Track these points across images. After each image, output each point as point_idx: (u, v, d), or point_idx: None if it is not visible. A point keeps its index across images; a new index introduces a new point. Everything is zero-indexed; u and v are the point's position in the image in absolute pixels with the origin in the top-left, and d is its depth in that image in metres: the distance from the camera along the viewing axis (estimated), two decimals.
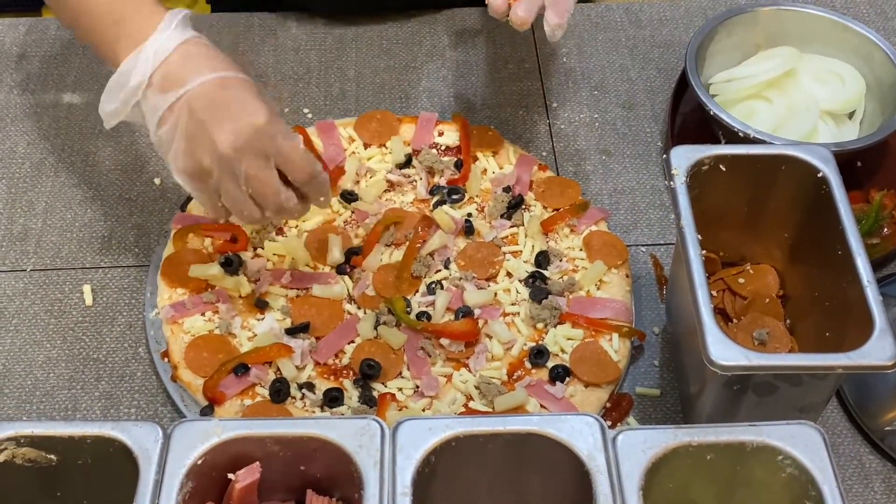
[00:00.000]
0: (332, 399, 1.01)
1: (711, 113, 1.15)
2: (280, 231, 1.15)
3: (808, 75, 1.23)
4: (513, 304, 1.09)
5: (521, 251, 1.14)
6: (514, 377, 1.04)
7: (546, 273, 1.11)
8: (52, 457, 0.80)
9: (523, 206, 1.17)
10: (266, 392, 1.02)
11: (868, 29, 1.23)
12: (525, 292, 1.10)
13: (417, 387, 1.03)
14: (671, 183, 0.96)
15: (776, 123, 1.19)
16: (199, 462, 0.78)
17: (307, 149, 0.96)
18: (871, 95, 1.22)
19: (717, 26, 1.23)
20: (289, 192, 0.94)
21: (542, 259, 1.12)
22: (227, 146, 0.89)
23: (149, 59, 0.92)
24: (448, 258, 1.13)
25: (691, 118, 1.27)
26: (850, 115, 1.23)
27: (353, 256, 1.12)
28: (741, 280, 1.08)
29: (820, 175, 0.97)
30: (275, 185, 0.92)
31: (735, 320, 1.06)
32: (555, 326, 1.07)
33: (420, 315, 1.07)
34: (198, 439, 0.78)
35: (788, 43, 1.25)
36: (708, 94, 1.19)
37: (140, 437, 0.78)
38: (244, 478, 0.79)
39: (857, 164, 1.18)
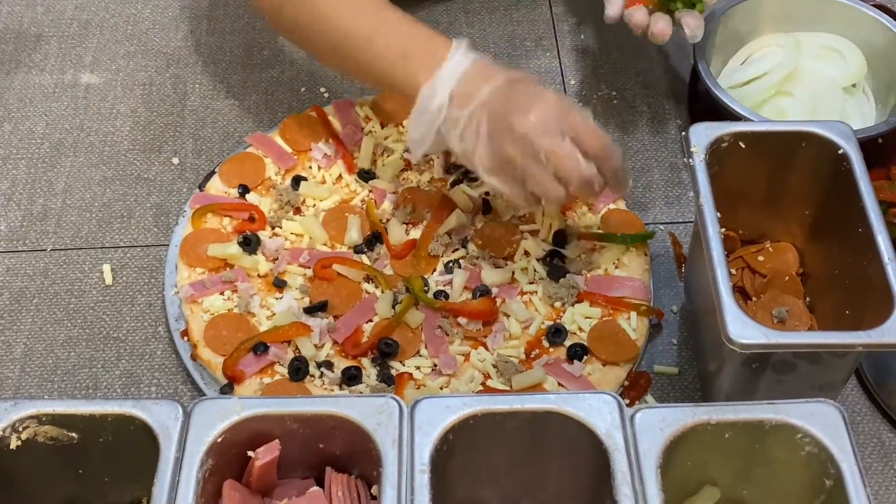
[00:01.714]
0: (351, 377, 1.01)
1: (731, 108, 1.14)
2: (297, 211, 1.15)
3: (808, 57, 1.22)
4: (530, 283, 1.09)
5: (538, 230, 1.14)
6: (532, 356, 1.04)
7: (564, 252, 1.11)
8: (74, 435, 0.81)
9: None
10: (285, 370, 1.02)
11: None
12: (543, 271, 1.10)
13: (435, 365, 1.03)
14: (690, 160, 0.95)
15: (808, 115, 1.17)
16: (220, 440, 0.78)
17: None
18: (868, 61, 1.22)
19: (719, 18, 1.22)
20: (589, 163, 0.96)
21: (560, 238, 1.12)
22: (524, 128, 0.94)
23: (445, 81, 0.98)
24: (465, 237, 1.13)
25: (710, 95, 1.26)
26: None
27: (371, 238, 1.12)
28: (760, 258, 1.08)
29: (840, 152, 0.96)
30: (575, 157, 0.95)
31: (754, 298, 1.06)
32: (572, 305, 1.07)
33: (438, 294, 1.07)
34: (218, 417, 0.79)
35: (775, 28, 1.24)
36: (720, 86, 1.16)
37: (160, 415, 0.79)
38: (264, 455, 0.80)
39: (878, 140, 1.17)
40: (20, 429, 0.79)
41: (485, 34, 1.39)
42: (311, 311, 1.06)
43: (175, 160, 1.24)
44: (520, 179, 0.97)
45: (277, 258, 1.10)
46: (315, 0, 1.05)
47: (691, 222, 1.17)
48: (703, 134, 0.97)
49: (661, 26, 1.08)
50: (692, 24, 1.09)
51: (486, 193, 1.17)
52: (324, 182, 1.18)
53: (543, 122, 0.94)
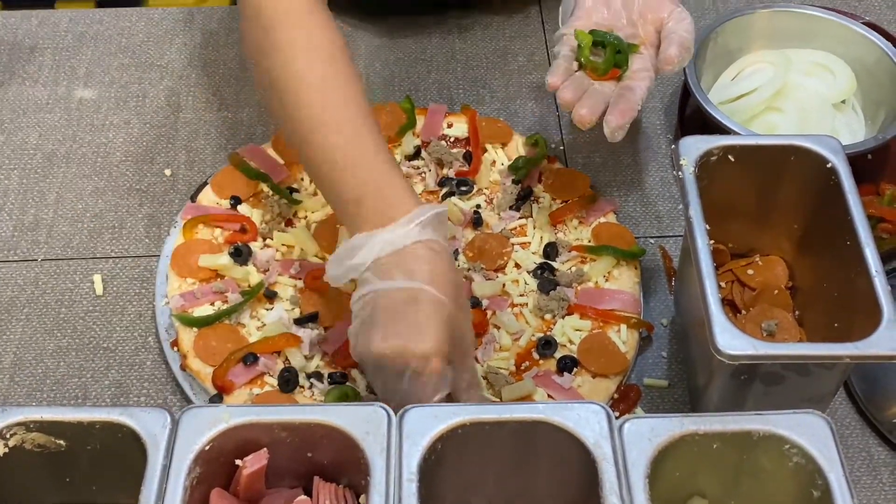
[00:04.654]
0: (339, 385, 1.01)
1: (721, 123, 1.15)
2: (289, 222, 1.15)
3: (798, 73, 1.23)
4: (521, 296, 1.10)
5: (529, 242, 1.14)
6: (522, 368, 1.04)
7: (554, 264, 1.11)
8: (62, 442, 0.80)
9: (532, 198, 1.18)
10: (275, 381, 1.02)
11: (827, 11, 1.24)
12: (533, 283, 1.10)
13: None
14: (679, 173, 0.96)
15: (797, 131, 1.18)
16: (207, 448, 0.78)
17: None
18: (857, 77, 1.23)
19: (709, 34, 1.23)
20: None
21: (551, 250, 1.12)
22: (370, 352, 0.90)
23: (375, 248, 0.91)
24: (456, 249, 1.13)
25: (701, 110, 1.27)
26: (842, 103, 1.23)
27: None
28: (750, 271, 1.08)
29: (829, 166, 0.97)
30: (399, 402, 0.86)
31: (744, 312, 1.06)
32: (563, 317, 1.07)
33: None
34: (206, 425, 0.79)
35: (766, 45, 1.25)
36: (710, 101, 1.17)
37: (148, 423, 0.79)
38: (252, 464, 0.80)
39: (867, 156, 1.17)
40: (7, 436, 0.79)
41: (477, 47, 1.39)
42: (301, 322, 1.06)
43: (167, 171, 1.24)
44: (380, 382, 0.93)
45: (268, 269, 1.10)
46: (295, 84, 0.99)
47: (681, 236, 1.17)
48: (692, 147, 0.97)
49: (581, 114, 1.02)
50: (612, 124, 1.02)
51: (478, 206, 1.17)
52: (315, 194, 1.18)
53: (391, 361, 0.88)
